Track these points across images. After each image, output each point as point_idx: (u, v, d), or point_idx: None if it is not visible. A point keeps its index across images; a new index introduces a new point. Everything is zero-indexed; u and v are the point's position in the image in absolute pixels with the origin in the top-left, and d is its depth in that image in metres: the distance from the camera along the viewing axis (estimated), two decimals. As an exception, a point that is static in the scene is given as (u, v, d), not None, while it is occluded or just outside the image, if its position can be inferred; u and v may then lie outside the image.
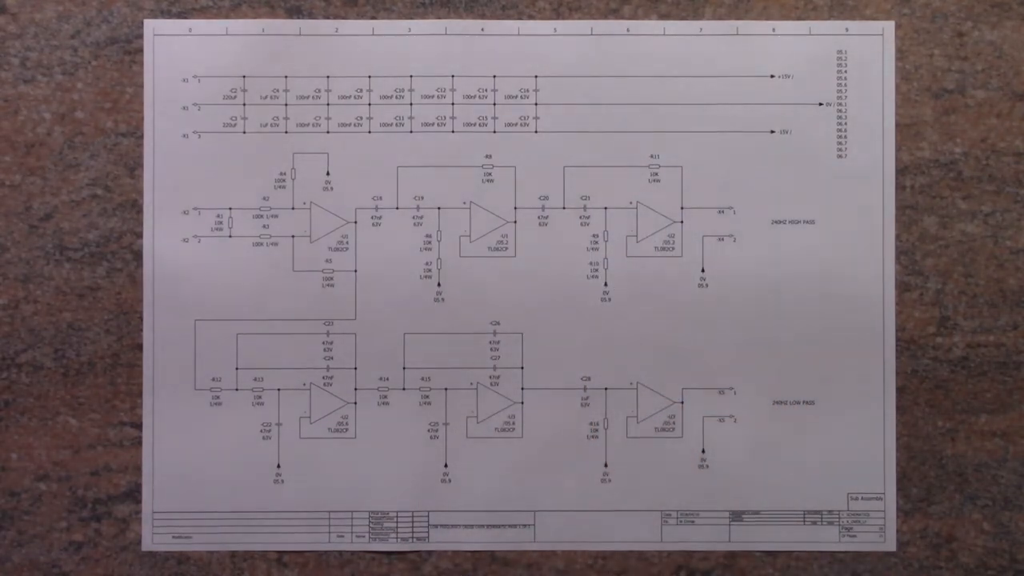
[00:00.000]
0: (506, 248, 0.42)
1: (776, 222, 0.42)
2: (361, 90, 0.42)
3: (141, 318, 0.42)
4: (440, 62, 0.42)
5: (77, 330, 0.42)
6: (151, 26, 0.42)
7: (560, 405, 0.42)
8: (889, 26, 0.42)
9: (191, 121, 0.42)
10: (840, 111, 0.42)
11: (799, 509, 0.42)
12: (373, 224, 0.42)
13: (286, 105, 0.42)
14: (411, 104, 0.42)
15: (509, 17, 0.42)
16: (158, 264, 0.42)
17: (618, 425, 0.42)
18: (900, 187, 0.42)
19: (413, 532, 0.42)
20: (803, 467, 0.42)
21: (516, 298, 0.42)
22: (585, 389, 0.42)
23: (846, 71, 0.42)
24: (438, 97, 0.42)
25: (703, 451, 0.42)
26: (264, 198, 0.42)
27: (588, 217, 0.42)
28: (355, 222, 0.42)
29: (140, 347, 0.42)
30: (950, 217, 0.42)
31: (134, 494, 0.42)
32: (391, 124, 0.42)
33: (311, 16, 0.42)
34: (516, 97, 0.42)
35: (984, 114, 0.42)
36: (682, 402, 0.42)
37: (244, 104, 0.42)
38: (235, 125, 0.42)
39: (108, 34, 0.42)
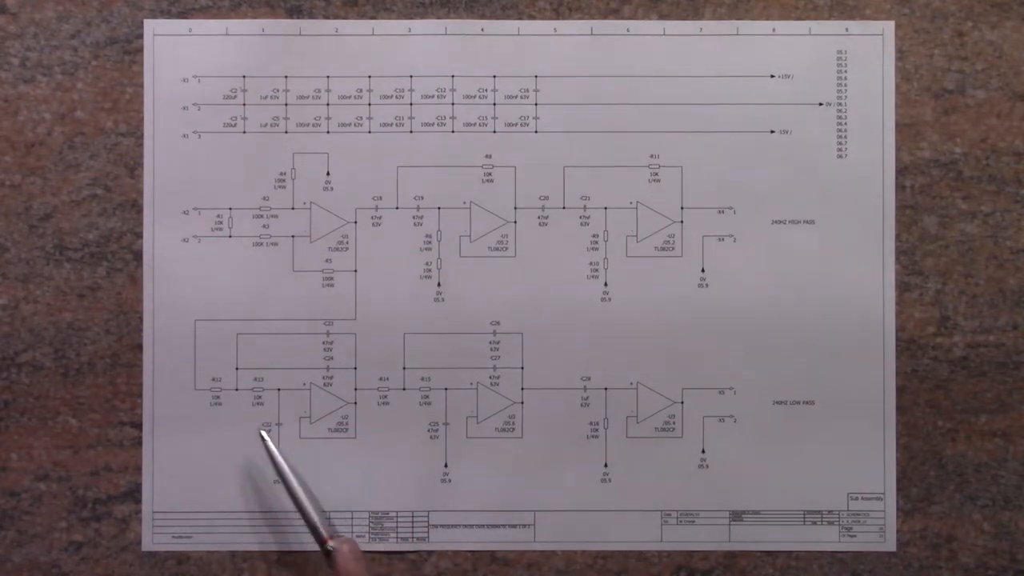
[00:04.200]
0: (506, 248, 0.42)
1: (776, 222, 0.42)
2: (361, 90, 0.42)
3: (141, 318, 0.42)
4: (440, 62, 0.42)
5: (77, 330, 0.42)
6: (151, 26, 0.42)
7: (560, 405, 0.42)
8: (889, 26, 0.42)
9: (191, 121, 0.42)
10: (840, 111, 0.42)
11: (799, 509, 0.42)
12: (373, 224, 0.42)
13: (286, 105, 0.42)
14: (411, 104, 0.42)
15: (509, 17, 0.42)
16: (158, 264, 0.42)
17: (618, 425, 0.42)
18: (900, 187, 0.42)
19: (413, 532, 0.42)
20: (803, 467, 0.42)
21: (516, 298, 0.42)
22: (585, 389, 0.42)
23: (846, 71, 0.42)
24: (438, 97, 0.42)
25: (703, 451, 0.42)
26: (264, 198, 0.42)
27: (588, 217, 0.42)
28: (355, 222, 0.42)
29: (140, 347, 0.42)
30: (950, 217, 0.42)
31: (134, 494, 0.42)
32: (391, 124, 0.42)
33: (311, 16, 0.42)
34: (516, 97, 0.42)
35: (984, 114, 0.42)
36: (682, 402, 0.42)
37: (244, 104, 0.42)
38: (235, 125, 0.42)
39: (108, 34, 0.42)
